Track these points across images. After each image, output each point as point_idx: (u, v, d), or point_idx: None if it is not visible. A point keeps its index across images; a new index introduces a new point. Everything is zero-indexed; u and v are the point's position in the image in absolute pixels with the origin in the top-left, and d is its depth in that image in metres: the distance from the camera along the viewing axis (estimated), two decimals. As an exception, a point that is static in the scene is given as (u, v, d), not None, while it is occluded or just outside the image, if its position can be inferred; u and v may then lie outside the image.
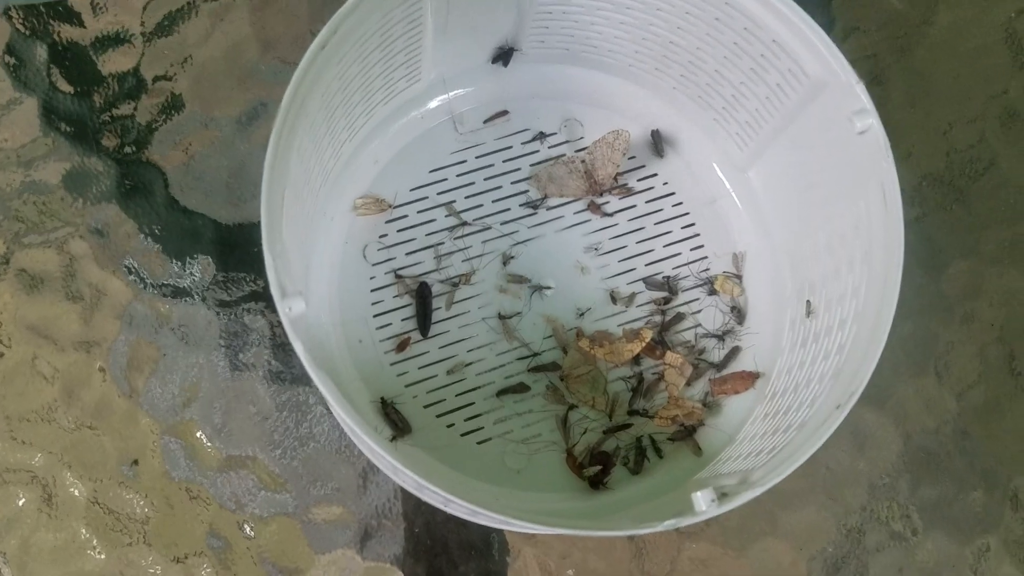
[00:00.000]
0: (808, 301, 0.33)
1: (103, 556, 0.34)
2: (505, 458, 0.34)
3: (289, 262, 0.27)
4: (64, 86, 0.38)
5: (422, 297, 0.36)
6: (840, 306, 0.30)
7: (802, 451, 0.26)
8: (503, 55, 0.36)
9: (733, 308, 0.37)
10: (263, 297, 0.37)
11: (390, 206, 0.36)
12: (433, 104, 0.37)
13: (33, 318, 0.36)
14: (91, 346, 0.36)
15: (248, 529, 0.35)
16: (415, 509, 0.35)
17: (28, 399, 0.35)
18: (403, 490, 0.35)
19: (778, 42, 0.30)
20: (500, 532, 0.35)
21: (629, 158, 0.38)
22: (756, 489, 0.25)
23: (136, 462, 0.35)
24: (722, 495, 0.25)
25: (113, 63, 0.38)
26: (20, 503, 0.34)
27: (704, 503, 0.25)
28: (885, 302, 0.27)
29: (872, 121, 0.28)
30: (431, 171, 0.37)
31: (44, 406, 0.35)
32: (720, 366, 0.36)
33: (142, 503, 0.34)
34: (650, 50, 0.35)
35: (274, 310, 0.30)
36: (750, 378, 0.35)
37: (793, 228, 0.35)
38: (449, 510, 0.32)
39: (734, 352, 0.36)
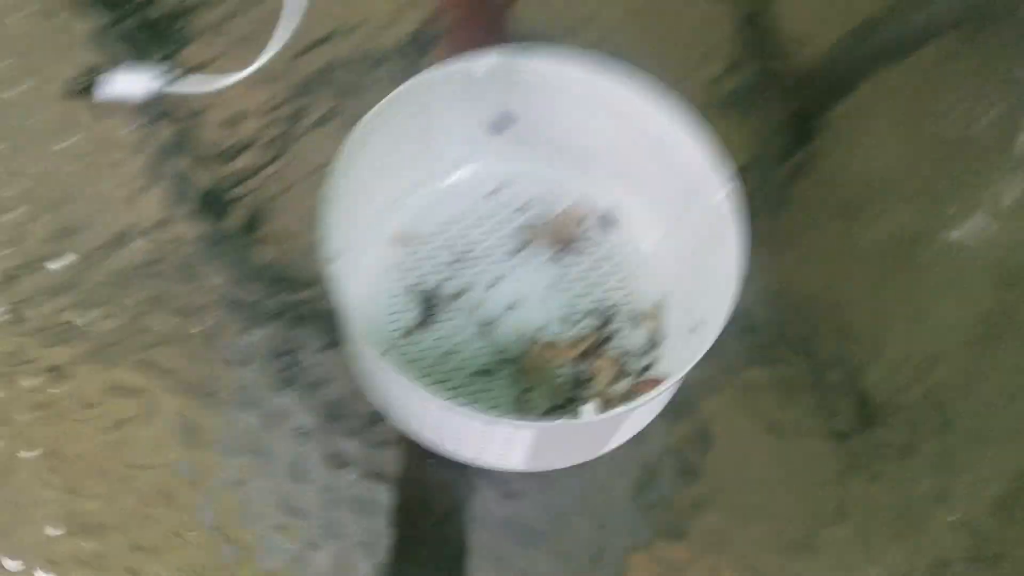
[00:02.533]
0: (694, 327, 0.47)
1: None
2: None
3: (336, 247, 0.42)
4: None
5: (426, 301, 0.50)
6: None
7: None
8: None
9: (650, 338, 0.51)
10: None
11: (415, 242, 0.52)
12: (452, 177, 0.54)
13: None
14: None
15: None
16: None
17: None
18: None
19: (672, 145, 0.47)
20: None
21: (584, 229, 0.54)
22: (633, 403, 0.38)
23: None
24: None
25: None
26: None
27: (588, 410, 0.38)
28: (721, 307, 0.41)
29: (728, 193, 0.44)
30: (442, 223, 0.53)
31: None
32: (638, 374, 0.49)
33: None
34: (599, 149, 0.52)
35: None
36: (653, 383, 0.48)
37: (689, 276, 0.49)
38: (425, 439, 0.45)
39: (649, 366, 0.50)
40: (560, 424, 0.38)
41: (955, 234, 0.53)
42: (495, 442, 0.41)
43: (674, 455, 0.48)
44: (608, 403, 0.48)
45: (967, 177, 0.56)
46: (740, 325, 0.41)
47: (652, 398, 0.40)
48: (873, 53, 0.62)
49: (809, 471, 0.46)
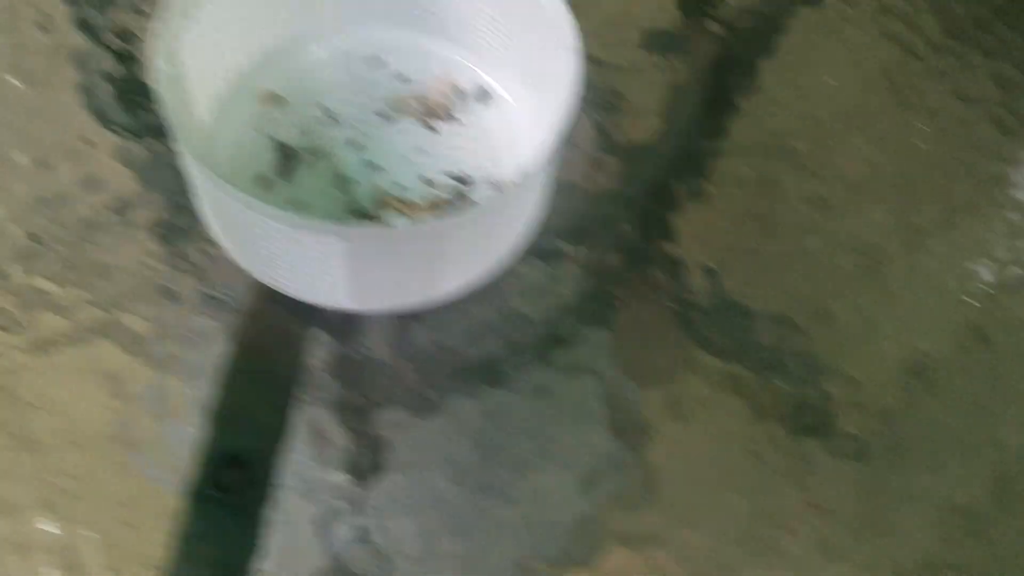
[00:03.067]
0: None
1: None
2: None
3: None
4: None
5: (287, 152, 0.50)
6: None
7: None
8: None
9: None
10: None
11: (286, 102, 0.52)
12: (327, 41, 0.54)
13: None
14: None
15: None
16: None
17: None
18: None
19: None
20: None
21: (460, 99, 0.54)
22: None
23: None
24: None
25: None
26: None
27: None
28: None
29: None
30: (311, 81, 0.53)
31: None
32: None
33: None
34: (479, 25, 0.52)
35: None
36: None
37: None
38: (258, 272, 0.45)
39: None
40: (369, 231, 0.37)
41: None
42: (313, 262, 0.41)
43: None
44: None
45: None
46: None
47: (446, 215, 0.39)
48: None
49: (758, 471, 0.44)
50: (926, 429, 0.47)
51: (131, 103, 0.53)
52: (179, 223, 0.49)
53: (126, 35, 0.55)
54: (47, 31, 0.55)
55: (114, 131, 0.52)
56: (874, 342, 0.49)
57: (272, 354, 0.46)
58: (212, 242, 0.48)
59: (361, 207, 0.49)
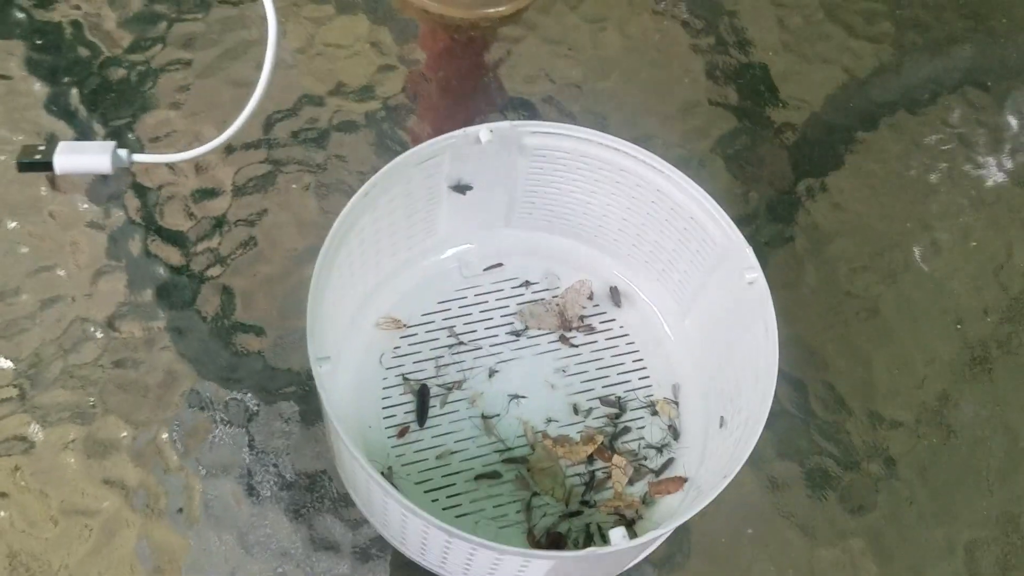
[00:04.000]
0: (721, 417, 0.42)
1: None
2: (476, 531, 0.42)
3: (324, 340, 0.37)
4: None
5: (422, 395, 0.45)
6: (738, 415, 0.40)
7: (691, 508, 0.34)
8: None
9: (670, 427, 0.46)
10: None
11: (404, 325, 0.47)
12: (446, 253, 0.49)
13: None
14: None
15: None
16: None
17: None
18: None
19: (694, 219, 0.42)
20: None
21: (594, 305, 0.49)
22: (658, 531, 0.33)
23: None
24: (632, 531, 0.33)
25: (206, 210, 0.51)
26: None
27: (616, 537, 0.33)
28: (762, 406, 0.37)
29: (757, 275, 0.39)
30: (439, 302, 0.48)
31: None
32: (658, 472, 0.45)
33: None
34: (609, 224, 0.47)
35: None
36: (680, 482, 0.44)
37: (712, 361, 0.45)
38: (425, 562, 0.40)
39: (669, 462, 0.45)
40: (588, 554, 0.33)
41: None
42: (506, 571, 0.36)
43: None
44: (629, 508, 0.43)
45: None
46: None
47: (671, 529, 0.35)
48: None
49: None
50: None
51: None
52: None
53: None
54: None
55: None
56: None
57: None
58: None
59: (513, 452, 0.45)
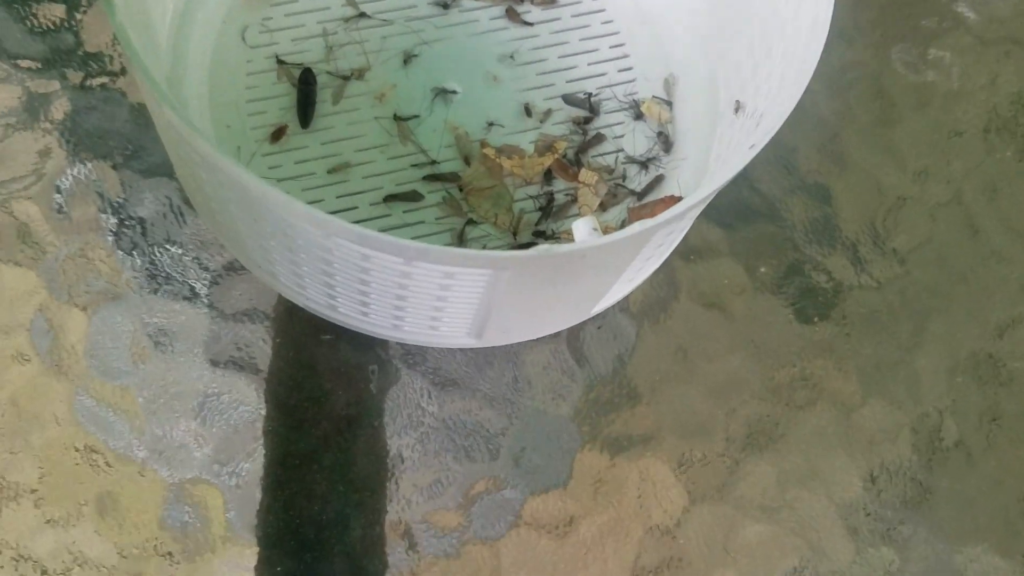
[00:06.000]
0: (737, 100, 0.29)
1: None
2: (387, 271, 0.30)
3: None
4: None
5: (305, 84, 0.31)
6: (760, 93, 0.26)
7: (710, 183, 0.21)
8: None
9: (660, 134, 0.33)
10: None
11: (278, -14, 0.32)
12: None
13: None
14: None
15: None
16: (285, 320, 0.30)
17: None
18: (277, 304, 0.30)
19: None
20: (378, 357, 0.30)
21: (556, -34, 0.34)
22: (653, 221, 0.21)
23: None
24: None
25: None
26: None
27: (583, 231, 0.21)
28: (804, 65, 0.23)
29: None
30: (330, -45, 0.33)
31: None
32: (641, 194, 0.32)
33: None
34: None
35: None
36: (672, 202, 0.31)
37: (725, 37, 0.31)
38: (336, 315, 0.28)
39: (657, 180, 0.32)
40: (541, 252, 0.20)
41: None
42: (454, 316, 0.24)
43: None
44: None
45: None
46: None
47: (682, 213, 0.22)
48: None
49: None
50: None
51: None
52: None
53: None
54: None
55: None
56: None
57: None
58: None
59: (438, 166, 0.31)
